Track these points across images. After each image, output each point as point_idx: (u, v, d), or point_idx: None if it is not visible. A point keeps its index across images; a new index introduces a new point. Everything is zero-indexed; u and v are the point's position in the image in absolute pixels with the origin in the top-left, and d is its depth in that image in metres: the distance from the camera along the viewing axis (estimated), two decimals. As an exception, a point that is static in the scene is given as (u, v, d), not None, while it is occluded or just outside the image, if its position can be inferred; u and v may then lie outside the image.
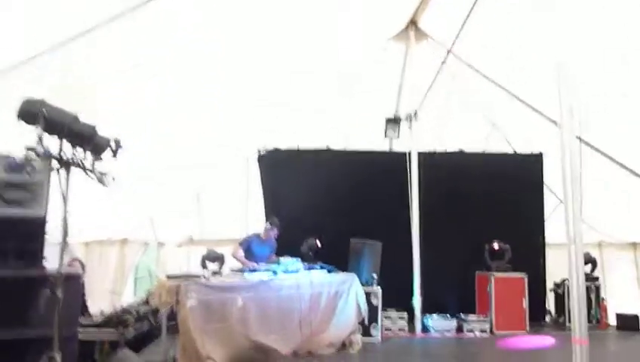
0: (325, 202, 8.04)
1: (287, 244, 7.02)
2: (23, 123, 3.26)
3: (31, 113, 3.26)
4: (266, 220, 7.03)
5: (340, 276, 6.54)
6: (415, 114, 7.91)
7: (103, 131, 3.63)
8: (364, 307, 6.56)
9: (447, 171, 8.34)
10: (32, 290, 3.69)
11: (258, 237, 6.90)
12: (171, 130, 7.04)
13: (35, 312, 3.61)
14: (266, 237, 6.86)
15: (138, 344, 5.62)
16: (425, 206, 7.86)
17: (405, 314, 7.56)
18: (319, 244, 7.29)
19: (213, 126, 7.33)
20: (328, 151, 8.55)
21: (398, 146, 8.51)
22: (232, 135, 7.61)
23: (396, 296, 7.49)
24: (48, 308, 3.36)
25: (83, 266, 6.79)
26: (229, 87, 6.87)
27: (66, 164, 3.35)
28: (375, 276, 7.08)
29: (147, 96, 6.49)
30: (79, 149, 3.48)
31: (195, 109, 7.00)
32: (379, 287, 7.06)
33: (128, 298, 8.43)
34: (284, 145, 8.50)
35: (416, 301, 7.65)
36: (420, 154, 8.00)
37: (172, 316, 5.14)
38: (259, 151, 8.51)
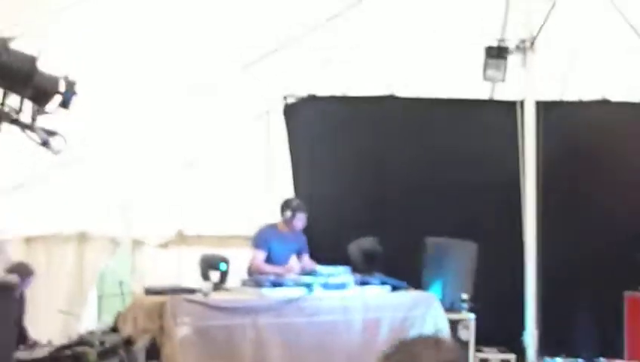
0: (387, 180, 8.12)
1: (326, 245, 7.09)
2: None
3: None
4: (284, 204, 7.04)
5: (410, 296, 6.57)
6: (532, 42, 7.72)
7: (49, 67, 3.67)
8: (448, 343, 6.51)
9: (583, 131, 8.28)
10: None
11: (275, 229, 6.93)
12: (153, 72, 7.09)
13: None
14: (287, 229, 6.91)
15: (102, 391, 5.74)
16: (546, 185, 7.73)
17: (512, 357, 7.53)
18: (379, 247, 7.28)
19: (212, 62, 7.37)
20: (393, 99, 8.50)
21: (504, 92, 8.42)
22: (242, 81, 7.67)
23: (498, 328, 7.47)
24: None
25: (27, 272, 6.95)
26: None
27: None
28: (466, 296, 7.04)
29: (122, 18, 6.55)
30: (13, 95, 3.51)
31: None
32: (471, 314, 7.02)
33: (89, 322, 8.62)
34: (322, 91, 8.55)
35: (530, 336, 7.55)
36: (539, 104, 7.84)
37: (153, 351, 5.21)
38: (285, 100, 8.52)
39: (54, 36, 5.70)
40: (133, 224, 8.95)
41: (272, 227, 6.97)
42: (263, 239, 6.87)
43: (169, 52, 6.82)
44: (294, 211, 6.83)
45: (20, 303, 6.69)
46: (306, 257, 6.99)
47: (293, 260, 6.92)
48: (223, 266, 6.78)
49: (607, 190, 8.28)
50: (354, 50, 8.02)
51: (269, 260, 6.78)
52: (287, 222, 6.85)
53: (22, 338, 6.89)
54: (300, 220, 6.84)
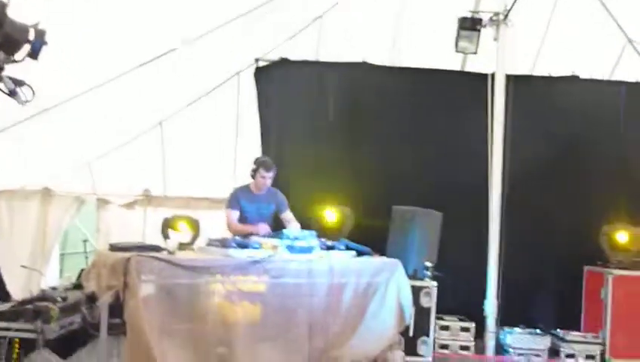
0: (355, 147, 8.13)
1: (292, 208, 7.05)
2: None
3: None
4: (255, 163, 6.97)
5: (374, 262, 6.53)
6: (506, 15, 7.73)
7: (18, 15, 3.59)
8: (410, 310, 6.54)
9: (551, 106, 8.34)
10: None
11: (247, 190, 6.92)
12: (125, 28, 6.97)
13: None
14: (257, 189, 6.88)
15: (64, 346, 5.71)
16: (512, 158, 7.85)
17: (472, 325, 7.60)
18: (346, 212, 7.29)
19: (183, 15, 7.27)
20: (364, 65, 8.48)
21: (476, 64, 8.46)
22: (214, 41, 7.60)
23: (459, 297, 7.56)
24: None
25: None
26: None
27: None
28: (429, 264, 7.08)
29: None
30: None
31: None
32: (434, 282, 7.06)
33: (51, 279, 8.57)
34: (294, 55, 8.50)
35: (490, 305, 7.65)
36: (509, 77, 7.89)
37: (116, 308, 5.18)
38: (257, 62, 8.47)
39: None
40: (99, 182, 8.88)
41: (244, 188, 6.95)
42: (234, 199, 6.86)
43: (143, 8, 6.70)
44: (257, 168, 6.80)
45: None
46: (287, 213, 6.95)
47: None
48: (181, 227, 6.80)
49: (573, 165, 8.37)
50: (327, 15, 7.98)
51: (241, 220, 6.76)
52: (259, 181, 6.82)
53: (5, 294, 6.87)
54: (264, 177, 6.79)
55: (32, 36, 3.61)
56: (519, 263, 7.80)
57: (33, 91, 3.75)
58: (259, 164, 6.85)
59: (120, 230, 8.83)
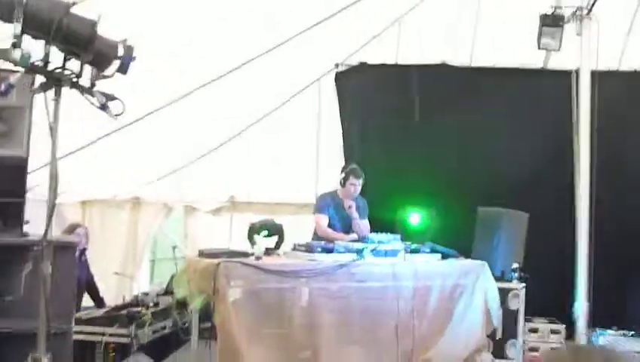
0: (438, 148, 8.10)
1: (376, 214, 7.08)
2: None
3: (2, 3, 3.31)
4: (344, 171, 7.03)
5: (460, 264, 6.51)
6: (589, 9, 7.53)
7: (105, 31, 3.69)
8: (498, 313, 6.50)
9: (638, 101, 8.09)
10: (7, 265, 3.89)
11: (335, 197, 6.95)
12: (208, 39, 7.11)
13: (12, 296, 3.79)
14: (345, 196, 6.91)
15: (157, 350, 5.88)
16: (600, 157, 7.57)
17: (562, 327, 7.48)
18: (430, 215, 7.25)
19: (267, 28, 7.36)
20: (444, 67, 8.42)
21: (559, 62, 8.25)
22: (294, 48, 7.66)
23: (548, 298, 7.44)
24: (31, 290, 3.51)
25: (87, 236, 7.20)
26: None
27: (56, 81, 3.42)
28: (517, 266, 6.99)
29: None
30: (74, 59, 3.54)
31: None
32: (522, 284, 6.97)
33: (143, 284, 8.81)
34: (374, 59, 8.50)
35: (581, 306, 7.46)
36: (594, 74, 7.67)
37: (206, 313, 5.29)
38: (337, 67, 8.50)
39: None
40: (186, 190, 9.08)
41: (331, 193, 7.01)
42: (323, 204, 6.93)
43: (225, 19, 6.83)
44: (347, 176, 6.84)
45: (83, 265, 6.90)
46: (364, 222, 6.97)
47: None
48: (264, 233, 6.85)
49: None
50: (406, 19, 7.95)
51: (328, 226, 6.82)
52: (347, 189, 6.85)
53: (99, 300, 7.13)
54: (353, 185, 6.83)
55: (121, 52, 3.70)
56: (609, 263, 7.56)
57: (124, 105, 3.83)
58: (349, 172, 6.88)
59: (207, 236, 9.04)
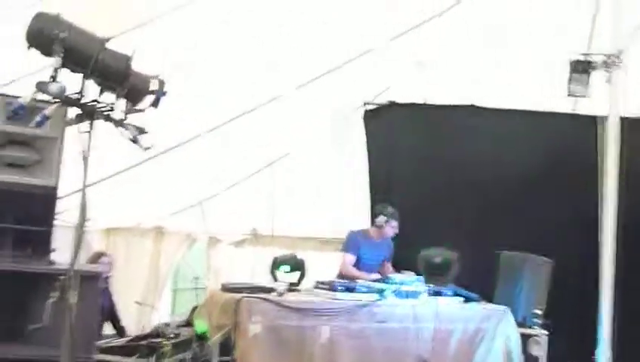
0: (464, 191, 8.06)
1: (400, 254, 7.09)
2: (34, 50, 3.39)
3: (43, 37, 3.38)
4: (377, 211, 7.06)
5: (482, 308, 6.48)
6: (619, 57, 7.52)
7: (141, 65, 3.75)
8: (519, 359, 6.44)
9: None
10: (34, 292, 3.91)
11: (365, 234, 6.95)
12: (237, 74, 7.20)
13: (37, 323, 3.81)
14: (377, 236, 6.93)
15: (176, 383, 5.87)
16: (627, 203, 7.52)
17: (585, 375, 7.34)
18: (454, 257, 7.21)
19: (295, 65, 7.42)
20: (472, 108, 8.40)
21: (587, 107, 8.22)
22: (323, 85, 7.73)
23: (571, 346, 7.28)
24: (55, 319, 3.53)
25: (112, 264, 7.25)
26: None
27: (89, 114, 3.47)
28: (539, 312, 6.90)
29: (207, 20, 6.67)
30: (108, 93, 3.59)
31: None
32: (544, 330, 6.88)
33: (164, 314, 8.82)
34: (403, 99, 8.52)
35: (603, 353, 7.36)
36: (623, 120, 7.64)
37: (227, 347, 5.28)
38: (365, 106, 8.53)
39: (147, 35, 5.85)
40: (210, 221, 9.11)
41: (364, 232, 7.03)
42: (353, 243, 6.93)
43: (255, 54, 6.91)
44: (389, 218, 6.86)
45: (106, 293, 6.94)
46: (388, 264, 7.01)
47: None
48: (286, 268, 6.85)
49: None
50: (437, 59, 8.00)
51: (356, 265, 6.82)
52: (379, 228, 6.88)
53: (120, 329, 7.15)
54: (393, 228, 6.88)
55: (154, 86, 3.75)
56: (635, 309, 7.47)
57: (154, 138, 3.87)
58: (389, 214, 6.91)
59: (230, 268, 9.04)
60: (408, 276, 6.33)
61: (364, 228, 7.08)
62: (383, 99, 8.54)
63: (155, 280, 9.15)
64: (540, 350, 6.83)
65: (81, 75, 3.46)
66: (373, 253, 6.91)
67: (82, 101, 3.49)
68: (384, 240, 7.00)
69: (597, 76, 7.62)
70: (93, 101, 3.52)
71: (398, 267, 6.92)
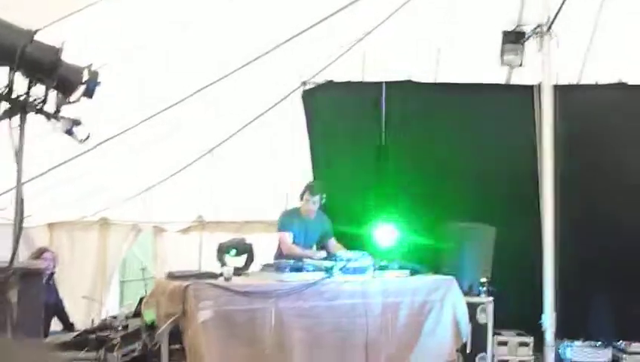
0: (405, 165, 8.07)
1: (345, 231, 7.11)
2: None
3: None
4: (308, 188, 7.03)
5: (429, 280, 6.53)
6: (549, 26, 7.64)
7: (69, 56, 3.68)
8: (467, 327, 6.53)
9: (600, 115, 8.16)
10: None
11: (297, 214, 6.95)
12: (174, 61, 7.10)
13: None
14: (308, 213, 6.91)
15: (127, 374, 5.81)
16: (563, 170, 7.64)
17: (531, 340, 7.51)
18: (399, 231, 7.27)
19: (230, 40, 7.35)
20: (409, 83, 8.45)
21: (521, 77, 8.36)
22: (260, 67, 7.65)
23: (516, 312, 7.46)
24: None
25: (55, 259, 7.12)
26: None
27: (20, 107, 3.40)
28: (485, 280, 7.03)
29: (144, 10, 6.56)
30: (39, 85, 3.53)
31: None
32: (490, 298, 7.00)
33: (112, 306, 8.71)
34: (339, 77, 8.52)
35: (548, 319, 7.52)
36: (556, 88, 7.76)
37: (176, 335, 5.25)
38: (303, 85, 8.51)
39: (77, 26, 5.71)
40: (154, 210, 9.02)
41: (295, 210, 7.02)
42: (287, 221, 6.93)
43: (190, 39, 6.82)
44: (303, 192, 6.87)
45: (51, 289, 6.83)
46: (331, 241, 7.00)
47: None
48: (232, 252, 6.82)
49: (624, 174, 8.19)
50: (370, 36, 8.00)
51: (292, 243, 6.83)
52: (308, 205, 6.87)
53: (68, 324, 7.05)
54: (308, 201, 6.83)
55: (86, 77, 3.69)
56: (576, 275, 7.64)
57: (89, 134, 3.82)
58: (306, 187, 6.92)
59: (176, 256, 8.96)
60: (354, 252, 6.35)
61: (296, 207, 7.05)
62: (321, 79, 8.53)
63: (102, 273, 9.03)
64: (487, 317, 6.96)
65: (8, 68, 3.39)
66: (304, 231, 6.91)
67: (12, 95, 3.43)
68: (316, 218, 6.98)
69: (529, 46, 7.76)
70: (24, 95, 3.46)
71: (345, 244, 6.96)
